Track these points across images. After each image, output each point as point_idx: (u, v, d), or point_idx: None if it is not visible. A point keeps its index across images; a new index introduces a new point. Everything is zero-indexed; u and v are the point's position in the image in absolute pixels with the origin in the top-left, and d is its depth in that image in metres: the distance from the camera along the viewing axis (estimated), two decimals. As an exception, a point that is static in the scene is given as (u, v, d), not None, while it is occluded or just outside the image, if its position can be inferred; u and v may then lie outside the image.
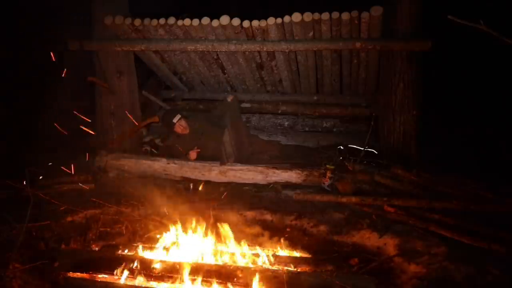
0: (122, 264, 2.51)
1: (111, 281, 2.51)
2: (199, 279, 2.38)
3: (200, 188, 3.96)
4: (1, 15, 4.89)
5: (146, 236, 3.04)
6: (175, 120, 4.51)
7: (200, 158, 4.42)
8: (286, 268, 2.58)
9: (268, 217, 3.37)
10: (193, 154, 4.46)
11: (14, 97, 4.95)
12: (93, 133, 4.21)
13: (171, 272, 2.43)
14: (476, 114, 4.99)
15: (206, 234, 2.82)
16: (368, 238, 2.94)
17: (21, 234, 2.59)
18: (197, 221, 2.91)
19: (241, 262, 2.62)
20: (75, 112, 4.01)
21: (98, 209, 3.35)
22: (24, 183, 3.11)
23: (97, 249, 2.90)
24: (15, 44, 4.95)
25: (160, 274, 2.44)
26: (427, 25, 4.16)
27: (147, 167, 4.33)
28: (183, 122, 4.54)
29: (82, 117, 4.03)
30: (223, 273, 2.39)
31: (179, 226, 2.88)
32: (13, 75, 4.95)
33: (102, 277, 2.53)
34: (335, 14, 3.99)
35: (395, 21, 4.14)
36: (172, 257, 2.66)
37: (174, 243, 2.80)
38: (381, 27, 4.14)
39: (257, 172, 4.07)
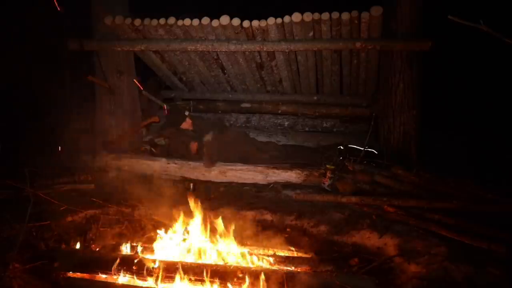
0: (122, 264, 2.51)
1: (111, 281, 2.51)
2: (199, 279, 2.37)
3: (200, 188, 3.96)
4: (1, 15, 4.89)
5: (146, 236, 3.04)
6: (186, 113, 4.81)
7: (199, 157, 4.43)
8: (286, 268, 2.58)
9: (268, 217, 3.36)
10: (193, 146, 4.56)
11: (13, 97, 4.95)
12: None
13: (171, 272, 2.43)
14: (476, 113, 4.99)
15: (206, 234, 2.82)
16: (368, 238, 2.94)
17: (21, 234, 2.58)
18: (197, 221, 2.91)
19: (242, 262, 2.62)
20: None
21: (98, 209, 3.35)
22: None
23: (97, 249, 2.90)
24: (12, 42, 4.94)
25: (160, 274, 2.44)
26: (427, 25, 4.16)
27: (147, 167, 4.33)
28: (189, 119, 4.81)
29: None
30: (223, 273, 2.39)
31: (179, 226, 2.88)
32: (12, 75, 4.95)
33: (102, 277, 2.53)
34: (335, 14, 4.00)
35: (395, 21, 4.15)
36: (172, 257, 2.66)
37: (174, 243, 2.79)
38: (381, 27, 4.14)
39: (257, 172, 4.07)
